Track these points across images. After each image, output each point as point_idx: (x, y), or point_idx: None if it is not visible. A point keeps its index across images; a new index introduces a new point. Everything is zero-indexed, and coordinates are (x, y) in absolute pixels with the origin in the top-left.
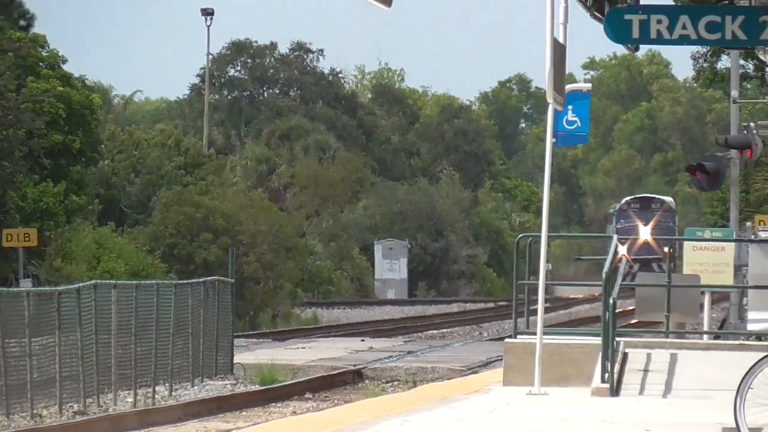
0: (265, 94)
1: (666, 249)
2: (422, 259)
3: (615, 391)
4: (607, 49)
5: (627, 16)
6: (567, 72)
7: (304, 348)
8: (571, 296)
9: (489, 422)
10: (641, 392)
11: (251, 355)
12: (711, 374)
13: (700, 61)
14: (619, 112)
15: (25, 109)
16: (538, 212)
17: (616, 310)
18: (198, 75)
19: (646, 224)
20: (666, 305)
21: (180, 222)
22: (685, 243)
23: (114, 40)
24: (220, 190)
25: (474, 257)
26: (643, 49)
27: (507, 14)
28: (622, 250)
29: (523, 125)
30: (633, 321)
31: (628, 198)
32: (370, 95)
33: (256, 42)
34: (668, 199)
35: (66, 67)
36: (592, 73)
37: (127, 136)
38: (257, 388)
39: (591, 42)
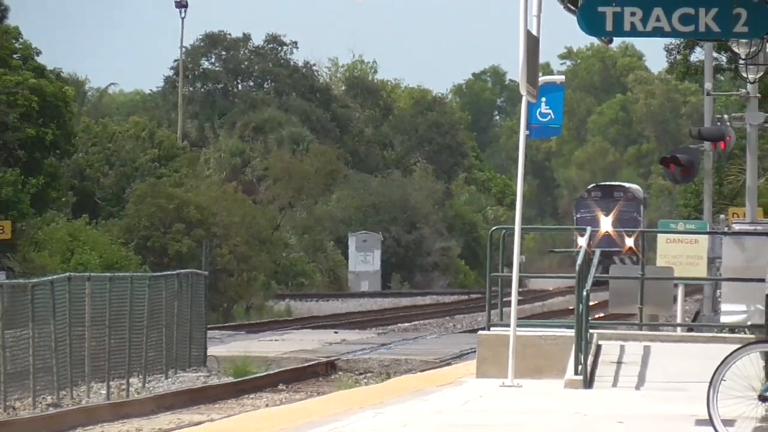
0: (239, 87)
1: (629, 241)
2: (396, 252)
3: (588, 383)
4: (585, 39)
5: (600, 8)
6: (544, 62)
7: (277, 340)
8: (541, 288)
9: (462, 414)
10: (614, 384)
11: (224, 347)
12: (684, 366)
13: (674, 53)
14: (593, 104)
15: None
16: (512, 204)
17: (590, 303)
18: (172, 67)
19: (607, 214)
20: (639, 297)
21: (154, 214)
22: (659, 235)
23: (89, 32)
24: (193, 182)
25: (448, 249)
26: (617, 41)
27: (481, 6)
28: (582, 241)
29: (498, 118)
30: (598, 316)
31: (590, 186)
32: (343, 87)
33: (230, 34)
34: (634, 187)
35: (40, 59)
36: (569, 63)
37: (101, 128)
38: (230, 380)
39: (568, 32)
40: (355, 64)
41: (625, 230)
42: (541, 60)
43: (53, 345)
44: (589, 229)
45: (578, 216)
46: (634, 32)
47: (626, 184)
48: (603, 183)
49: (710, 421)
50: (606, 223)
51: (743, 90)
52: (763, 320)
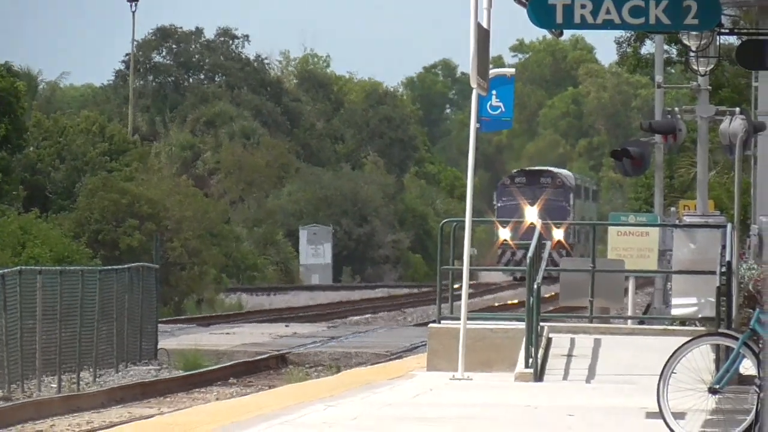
0: (190, 80)
1: (558, 233)
2: (347, 245)
3: (539, 376)
4: (537, 32)
5: (551, 1)
6: (496, 55)
7: (228, 333)
8: (492, 281)
9: (412, 407)
10: (565, 377)
11: (175, 340)
12: (635, 359)
13: (624, 45)
14: (544, 97)
15: None
16: (463, 197)
17: (541, 295)
18: (123, 61)
19: (532, 203)
20: (590, 290)
21: (105, 208)
22: (610, 228)
23: (39, 26)
24: (144, 176)
25: (398, 242)
26: (567, 34)
27: None
28: (504, 234)
29: (449, 111)
30: (549, 309)
31: (514, 171)
32: (295, 81)
33: (182, 28)
34: (564, 172)
35: None
36: (520, 56)
37: (52, 122)
38: (181, 373)
39: (520, 24)
40: (307, 58)
41: (553, 222)
42: (494, 53)
43: (4, 339)
44: (539, 221)
45: (499, 205)
46: (584, 24)
47: (555, 169)
48: (528, 168)
49: (661, 414)
50: (531, 214)
51: (694, 83)
52: (714, 313)
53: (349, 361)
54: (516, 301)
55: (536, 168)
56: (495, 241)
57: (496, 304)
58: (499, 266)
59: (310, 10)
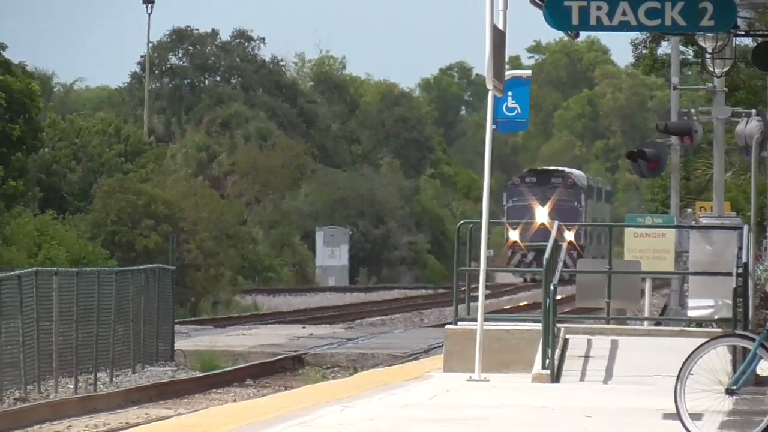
0: (206, 82)
1: (569, 235)
2: (363, 246)
3: (556, 377)
4: (554, 33)
5: (566, 3)
6: (513, 55)
7: (244, 335)
8: (508, 282)
9: (429, 409)
10: (582, 378)
11: (192, 341)
12: (652, 360)
13: (640, 47)
14: (559, 99)
15: None
16: (479, 199)
17: (557, 297)
18: (139, 63)
19: (543, 203)
20: (607, 292)
21: (121, 209)
22: (626, 229)
23: (55, 28)
24: (160, 177)
25: (415, 244)
26: (583, 35)
27: (448, 0)
28: (514, 235)
29: (464, 112)
30: (566, 310)
31: (525, 170)
32: (311, 83)
33: (197, 30)
34: (576, 172)
35: (6, 55)
36: (537, 56)
37: (67, 123)
38: (198, 374)
39: (537, 25)
40: (322, 60)
41: (566, 224)
42: (511, 53)
43: (21, 340)
44: (556, 223)
45: (509, 205)
46: (600, 26)
47: (566, 169)
48: (539, 168)
49: (678, 415)
50: (542, 214)
51: (710, 84)
52: (730, 314)
53: (365, 362)
54: (527, 303)
55: (547, 168)
56: (505, 242)
57: (508, 306)
58: (510, 267)
59: (325, 12)
